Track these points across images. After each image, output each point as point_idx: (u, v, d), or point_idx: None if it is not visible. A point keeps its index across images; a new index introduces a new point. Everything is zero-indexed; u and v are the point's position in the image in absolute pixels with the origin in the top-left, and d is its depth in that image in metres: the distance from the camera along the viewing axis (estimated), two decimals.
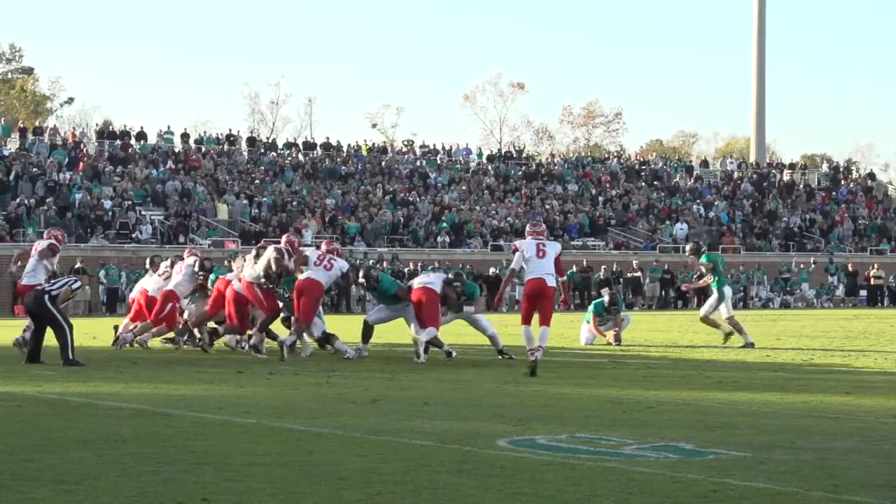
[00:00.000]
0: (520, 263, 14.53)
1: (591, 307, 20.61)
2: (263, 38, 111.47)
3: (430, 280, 16.56)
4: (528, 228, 15.30)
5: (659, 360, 16.58)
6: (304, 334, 16.71)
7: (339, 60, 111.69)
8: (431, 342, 16.04)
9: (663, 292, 43.90)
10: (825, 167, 66.05)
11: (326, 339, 16.73)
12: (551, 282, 14.23)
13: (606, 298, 20.12)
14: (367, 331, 16.75)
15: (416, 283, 16.55)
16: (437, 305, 16.11)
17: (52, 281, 15.61)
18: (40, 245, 16.55)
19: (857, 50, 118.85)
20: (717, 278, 19.03)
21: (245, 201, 44.76)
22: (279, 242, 17.67)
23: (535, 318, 14.27)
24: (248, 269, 16.95)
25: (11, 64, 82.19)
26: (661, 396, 11.56)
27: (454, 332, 18.33)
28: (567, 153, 70.02)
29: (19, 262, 17.23)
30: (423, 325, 15.95)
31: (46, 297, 14.98)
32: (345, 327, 19.83)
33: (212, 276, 18.25)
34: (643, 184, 55.79)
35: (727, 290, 19.18)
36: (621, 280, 42.58)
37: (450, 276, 17.48)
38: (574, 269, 39.29)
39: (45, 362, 14.84)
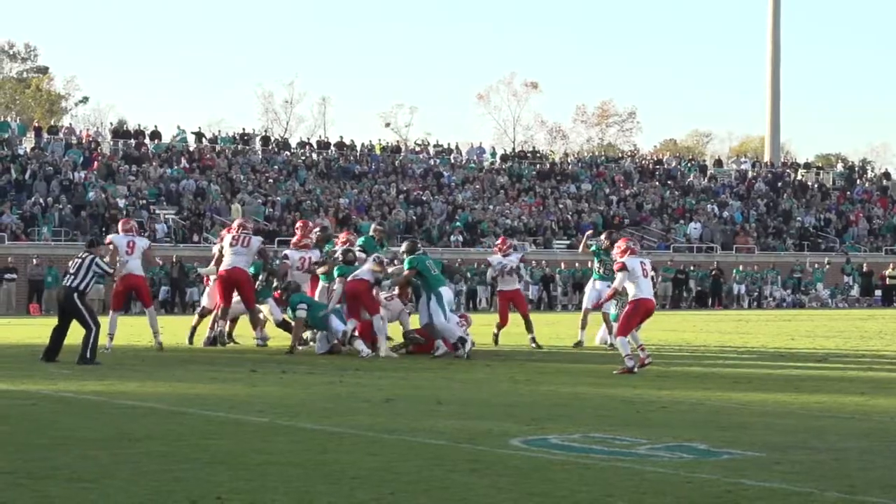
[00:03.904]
0: (623, 283, 14.61)
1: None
2: (277, 37, 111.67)
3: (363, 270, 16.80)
4: (629, 245, 15.07)
5: (672, 360, 16.54)
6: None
7: (353, 60, 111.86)
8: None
9: (676, 292, 43.83)
10: (840, 167, 65.83)
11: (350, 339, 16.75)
12: (654, 303, 14.92)
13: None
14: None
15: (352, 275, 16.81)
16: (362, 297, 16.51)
17: (82, 276, 15.22)
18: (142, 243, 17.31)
19: (871, 49, 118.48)
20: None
21: (260, 200, 44.84)
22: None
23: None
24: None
25: (27, 63, 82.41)
26: (675, 396, 11.54)
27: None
28: (581, 152, 69.91)
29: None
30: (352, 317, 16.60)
31: (76, 294, 14.98)
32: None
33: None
34: (657, 183, 55.70)
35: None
36: None
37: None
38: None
39: (60, 361, 14.86)
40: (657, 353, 17.72)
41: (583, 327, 18.91)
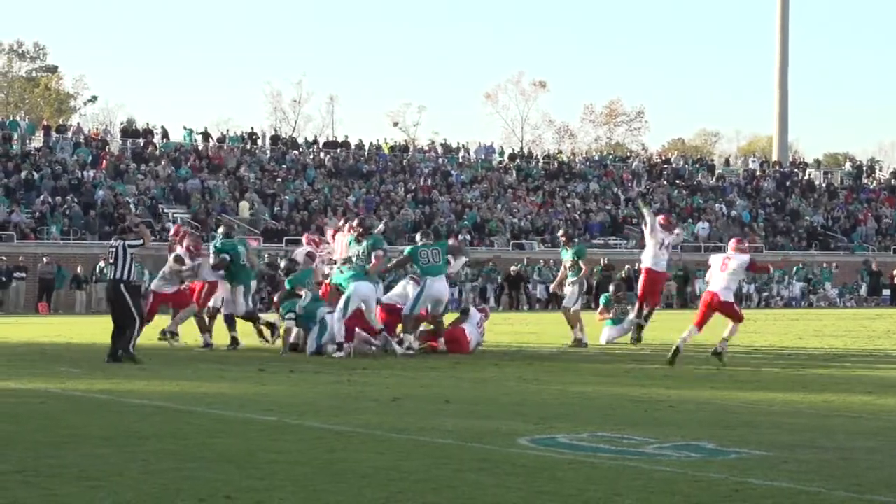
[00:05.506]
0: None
1: (602, 299, 21.03)
2: (285, 36, 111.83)
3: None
4: (734, 244, 16.22)
5: (680, 360, 16.51)
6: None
7: (361, 59, 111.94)
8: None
9: (682, 290, 43.76)
10: (848, 166, 65.69)
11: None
12: (725, 296, 15.41)
13: (612, 288, 20.82)
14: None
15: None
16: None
17: (121, 265, 15.09)
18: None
19: (880, 48, 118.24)
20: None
21: (264, 203, 44.85)
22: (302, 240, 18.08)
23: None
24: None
25: (36, 62, 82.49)
26: (683, 395, 11.53)
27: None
28: (589, 152, 69.85)
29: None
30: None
31: (122, 284, 14.93)
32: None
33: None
34: (665, 182, 55.66)
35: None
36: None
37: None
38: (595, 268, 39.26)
39: (141, 361, 14.67)
40: (665, 352, 17.70)
41: (573, 327, 18.86)
